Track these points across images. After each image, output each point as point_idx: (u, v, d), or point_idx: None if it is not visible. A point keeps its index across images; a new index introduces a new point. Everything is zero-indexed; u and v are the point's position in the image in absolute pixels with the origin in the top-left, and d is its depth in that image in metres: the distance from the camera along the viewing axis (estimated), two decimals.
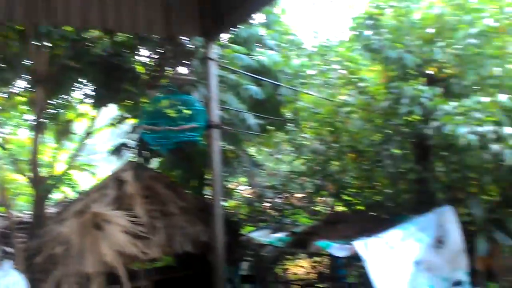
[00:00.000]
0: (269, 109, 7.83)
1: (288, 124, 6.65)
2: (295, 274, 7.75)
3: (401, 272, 4.53)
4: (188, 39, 7.11)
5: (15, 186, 8.84)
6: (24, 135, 9.52)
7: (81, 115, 9.09)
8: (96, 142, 14.83)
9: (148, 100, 6.77)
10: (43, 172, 7.87)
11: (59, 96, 8.34)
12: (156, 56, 7.67)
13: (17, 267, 5.63)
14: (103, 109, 8.46)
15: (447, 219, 4.88)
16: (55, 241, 5.78)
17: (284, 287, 7.24)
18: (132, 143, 7.35)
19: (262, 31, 7.76)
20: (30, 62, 7.47)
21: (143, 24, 5.87)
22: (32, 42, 7.10)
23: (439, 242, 4.87)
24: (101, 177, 8.08)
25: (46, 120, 7.98)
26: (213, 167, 6.18)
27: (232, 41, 7.66)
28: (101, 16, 5.63)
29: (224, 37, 7.60)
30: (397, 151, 5.98)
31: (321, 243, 4.96)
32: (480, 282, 4.87)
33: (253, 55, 7.50)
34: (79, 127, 9.49)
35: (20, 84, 8.23)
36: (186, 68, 7.19)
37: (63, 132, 8.79)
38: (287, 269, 7.50)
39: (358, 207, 6.35)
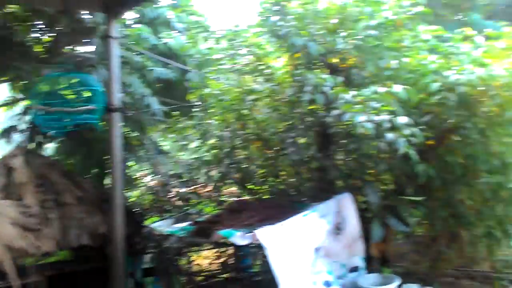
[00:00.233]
0: (175, 94, 7.61)
1: (195, 110, 6.45)
2: (200, 265, 7.63)
3: (302, 258, 4.57)
4: (88, 14, 6.63)
5: None
6: None
7: None
8: None
9: (42, 79, 6.23)
10: None
11: None
12: (52, 33, 7.07)
13: None
14: None
15: (346, 206, 5.01)
16: None
17: (188, 279, 7.07)
18: (23, 126, 6.75)
19: (170, 13, 7.49)
20: None
21: None
22: None
23: (337, 229, 4.99)
24: None
25: None
26: (113, 154, 5.85)
27: (138, 21, 7.32)
28: None
29: (129, 16, 7.24)
30: (301, 140, 6.05)
31: (223, 232, 4.86)
32: (375, 267, 5.04)
33: (160, 38, 7.22)
34: None
35: None
36: (86, 46, 6.71)
37: None
38: (192, 260, 7.35)
39: (263, 196, 6.33)
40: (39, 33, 7.18)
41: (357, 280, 4.85)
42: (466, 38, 5.19)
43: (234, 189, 7.06)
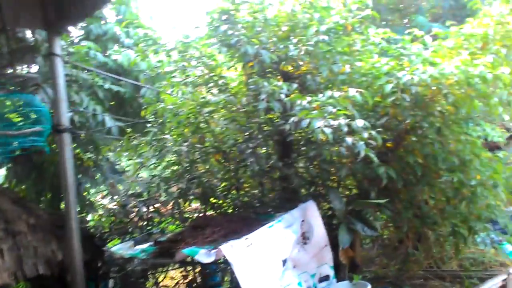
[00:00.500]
0: (129, 111, 7.38)
1: (150, 126, 6.25)
2: (167, 286, 7.39)
3: (270, 272, 4.44)
4: (30, 32, 6.33)
5: None
6: None
7: None
8: None
9: None
10: None
11: None
12: None
13: None
14: None
15: (311, 214, 4.92)
16: None
17: None
18: None
19: (117, 29, 7.27)
20: None
21: None
22: None
23: (304, 238, 4.89)
24: None
25: None
26: (65, 177, 5.56)
27: (85, 37, 7.07)
28: None
29: (75, 32, 6.98)
30: (261, 150, 5.95)
31: (187, 251, 4.67)
32: (344, 274, 4.97)
33: (109, 54, 6.99)
34: None
35: None
36: (28, 65, 6.40)
37: None
38: (158, 282, 7.10)
39: (227, 209, 6.19)
40: None
41: None
42: (415, 39, 5.26)
43: (197, 204, 6.88)
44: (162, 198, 6.77)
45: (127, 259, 6.02)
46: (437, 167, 4.82)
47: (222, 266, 6.48)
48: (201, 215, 6.53)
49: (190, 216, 6.74)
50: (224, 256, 4.25)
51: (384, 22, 5.59)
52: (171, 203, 6.58)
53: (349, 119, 4.18)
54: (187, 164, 6.09)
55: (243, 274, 4.20)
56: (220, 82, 5.71)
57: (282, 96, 4.77)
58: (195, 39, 5.60)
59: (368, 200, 4.71)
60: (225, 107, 5.88)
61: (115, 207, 7.49)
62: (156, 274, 7.01)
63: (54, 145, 5.74)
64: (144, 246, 5.70)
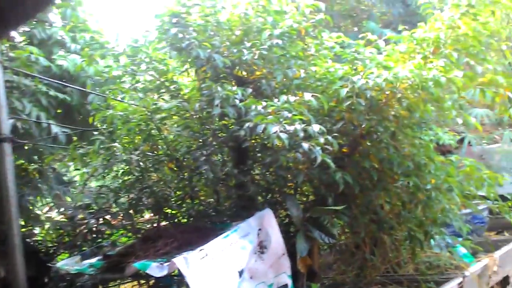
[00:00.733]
0: (77, 119, 7.06)
1: (98, 134, 5.96)
2: None
3: (226, 284, 4.27)
4: None
5: None
6: None
7: None
8: None
9: None
10: None
11: None
12: None
13: None
14: None
15: (268, 222, 4.79)
16: None
17: None
18: None
19: (62, 33, 6.95)
20: None
21: None
22: None
23: (261, 248, 4.76)
24: None
25: None
26: (5, 188, 5.25)
27: (28, 42, 6.70)
28: None
29: (17, 37, 6.61)
30: (215, 157, 5.79)
31: (138, 264, 4.44)
32: (302, 283, 4.87)
33: (54, 59, 6.66)
34: None
35: None
36: None
37: None
38: None
39: (181, 220, 5.97)
40: None
41: None
42: (368, 43, 5.26)
43: (150, 215, 6.62)
44: (112, 209, 6.50)
45: (77, 274, 5.73)
46: (392, 172, 4.81)
47: (177, 279, 6.24)
48: (152, 226, 6.28)
49: (143, 228, 6.49)
50: (178, 269, 4.04)
51: (336, 29, 5.56)
52: (122, 214, 6.32)
53: (305, 124, 4.10)
54: (138, 173, 5.83)
55: (197, 287, 4.02)
56: (172, 87, 5.51)
57: (237, 101, 4.64)
58: (144, 43, 5.38)
59: (325, 206, 4.64)
60: (177, 113, 5.70)
61: (62, 219, 7.15)
62: None
63: None
64: (92, 260, 5.40)
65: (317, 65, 5.20)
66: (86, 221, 6.53)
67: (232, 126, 5.17)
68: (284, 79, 5.04)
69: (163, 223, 6.19)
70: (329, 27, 5.52)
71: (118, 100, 6.18)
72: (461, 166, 5.51)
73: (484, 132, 8.41)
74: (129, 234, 6.52)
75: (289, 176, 5.04)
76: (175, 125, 5.99)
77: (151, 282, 6.54)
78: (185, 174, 5.82)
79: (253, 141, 5.25)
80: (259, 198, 5.30)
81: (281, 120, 4.11)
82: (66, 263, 5.61)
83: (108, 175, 6.30)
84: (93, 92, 6.74)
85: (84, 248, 6.44)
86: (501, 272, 6.31)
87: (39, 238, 7.40)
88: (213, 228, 5.15)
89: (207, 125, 5.48)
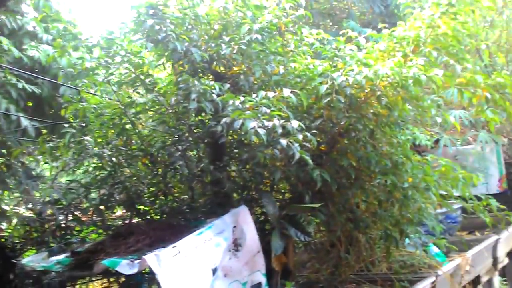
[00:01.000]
0: (47, 112, 6.84)
1: (68, 127, 5.77)
2: None
3: (199, 282, 4.17)
4: None
5: None
6: None
7: None
8: None
9: None
10: None
11: None
12: None
13: None
14: None
15: (243, 219, 4.70)
16: None
17: None
18: None
19: (34, 23, 6.73)
20: None
21: None
22: None
23: (236, 245, 4.68)
24: None
25: None
26: None
27: None
28: None
29: None
30: (191, 153, 5.68)
31: (107, 262, 4.30)
32: (277, 281, 4.81)
33: (24, 50, 6.44)
34: None
35: None
36: None
37: None
38: None
39: (153, 216, 5.83)
40: None
41: None
42: (348, 40, 5.23)
43: (121, 212, 6.46)
44: (83, 205, 6.32)
45: (43, 271, 5.55)
46: (370, 170, 4.78)
47: (148, 277, 6.11)
48: (124, 223, 6.13)
49: (114, 224, 6.33)
50: (149, 267, 3.92)
51: (315, 27, 5.52)
52: (92, 210, 6.16)
53: (283, 121, 4.02)
54: (111, 168, 5.67)
55: (169, 285, 3.91)
56: (147, 81, 5.36)
57: (214, 96, 4.54)
58: (120, 35, 5.22)
59: (302, 204, 4.58)
60: (153, 108, 5.57)
61: (30, 215, 6.93)
62: (76, 287, 6.50)
63: None
64: (60, 257, 5.24)
65: (296, 62, 5.13)
66: (54, 217, 6.36)
67: (209, 122, 5.07)
68: (263, 75, 4.95)
69: (135, 219, 6.07)
70: (308, 25, 5.47)
71: (91, 93, 6.02)
72: (436, 166, 5.53)
73: (459, 133, 8.51)
74: (99, 230, 6.37)
75: (266, 173, 4.96)
76: (150, 120, 5.87)
77: (121, 280, 6.42)
78: (159, 170, 5.70)
79: (230, 137, 5.17)
80: (235, 195, 5.21)
81: (259, 115, 4.03)
82: (32, 260, 5.44)
83: (78, 169, 6.13)
84: (65, 84, 6.56)
85: (52, 245, 6.28)
86: (473, 271, 6.38)
87: (5, 234, 7.18)
88: (187, 225, 5.05)
89: (183, 120, 5.36)
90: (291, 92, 4.33)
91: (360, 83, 4.24)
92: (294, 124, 4.02)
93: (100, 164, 5.70)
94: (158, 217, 5.79)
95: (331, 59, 4.95)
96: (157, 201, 5.82)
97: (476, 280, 6.73)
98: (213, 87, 4.57)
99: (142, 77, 5.35)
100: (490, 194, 6.59)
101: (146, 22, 4.79)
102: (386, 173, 4.77)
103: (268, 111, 4.09)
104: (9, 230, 7.21)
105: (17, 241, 6.78)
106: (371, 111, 4.64)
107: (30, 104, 7.14)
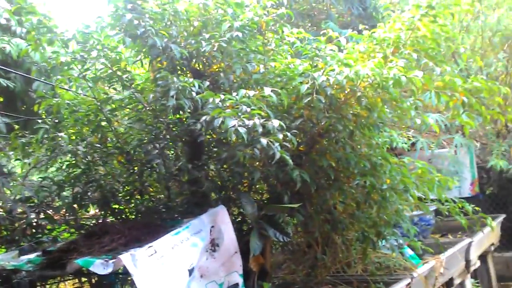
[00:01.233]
0: (19, 107, 6.65)
1: (43, 124, 5.61)
2: None
3: (174, 283, 4.10)
4: None
5: None
6: None
7: None
8: None
9: None
10: None
11: None
12: None
13: None
14: None
15: (221, 219, 4.66)
16: None
17: None
18: None
19: (6, 15, 6.53)
20: None
21: None
22: None
23: (213, 245, 4.62)
24: None
25: None
26: None
27: None
28: None
29: None
30: (168, 151, 5.59)
31: (80, 261, 4.17)
32: (254, 282, 4.77)
33: None
34: None
35: None
36: None
37: None
38: None
39: (129, 216, 5.72)
40: None
41: None
42: (329, 40, 5.23)
43: (95, 211, 6.32)
44: (55, 203, 6.16)
45: (13, 270, 5.38)
46: (349, 171, 4.79)
47: (122, 277, 5.99)
48: (98, 222, 5.99)
49: (87, 223, 6.18)
50: (124, 266, 3.82)
51: (295, 28, 5.51)
52: (65, 208, 6.00)
53: (264, 120, 3.98)
54: (85, 166, 5.54)
55: (145, 286, 3.81)
56: (124, 77, 5.25)
57: (193, 93, 4.46)
58: (96, 29, 5.09)
59: (281, 204, 4.54)
60: (129, 104, 5.46)
61: (0, 213, 6.74)
62: (46, 287, 6.33)
63: None
64: (31, 256, 5.08)
65: (277, 61, 5.10)
66: (26, 215, 6.19)
67: (187, 120, 4.99)
68: (243, 74, 4.90)
69: (110, 218, 5.94)
70: (289, 24, 5.44)
71: (66, 89, 5.88)
72: (413, 169, 5.58)
73: (433, 136, 8.64)
74: (72, 230, 6.22)
75: (245, 173, 4.92)
76: (127, 117, 5.77)
77: (94, 280, 6.28)
78: (135, 168, 5.59)
79: (208, 136, 5.10)
80: (213, 194, 5.15)
81: (239, 114, 3.97)
82: (1, 259, 5.26)
83: (51, 166, 5.96)
84: (38, 79, 6.39)
85: (22, 243, 6.11)
86: (447, 273, 6.46)
87: None
88: (163, 225, 4.97)
89: (161, 118, 5.27)
90: (272, 91, 4.29)
91: (341, 83, 4.23)
92: (275, 123, 3.98)
93: (74, 162, 5.55)
94: (134, 216, 5.68)
95: (311, 59, 4.93)
96: (133, 200, 5.71)
97: (450, 283, 6.81)
98: (192, 85, 4.49)
99: (119, 73, 5.24)
100: (462, 197, 6.67)
101: (125, 17, 4.68)
102: (365, 174, 4.78)
103: (249, 109, 4.04)
104: None
105: None
106: (351, 112, 4.64)
107: (1, 99, 6.94)
